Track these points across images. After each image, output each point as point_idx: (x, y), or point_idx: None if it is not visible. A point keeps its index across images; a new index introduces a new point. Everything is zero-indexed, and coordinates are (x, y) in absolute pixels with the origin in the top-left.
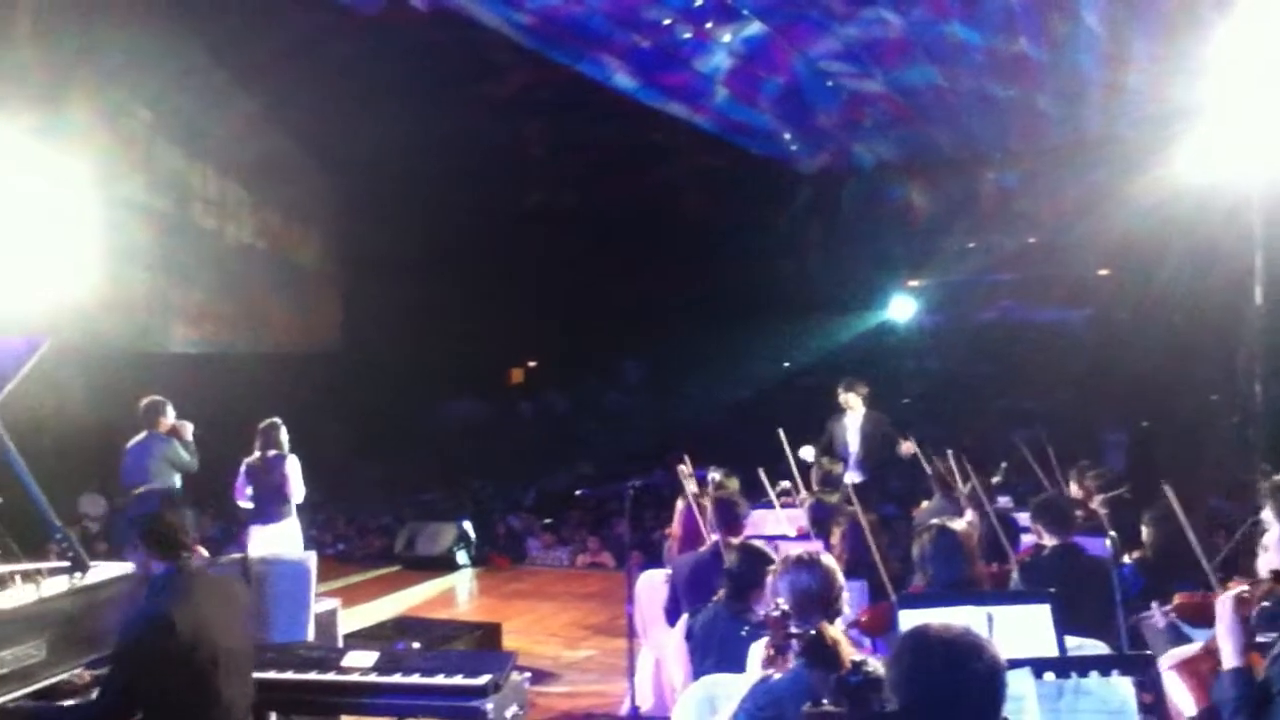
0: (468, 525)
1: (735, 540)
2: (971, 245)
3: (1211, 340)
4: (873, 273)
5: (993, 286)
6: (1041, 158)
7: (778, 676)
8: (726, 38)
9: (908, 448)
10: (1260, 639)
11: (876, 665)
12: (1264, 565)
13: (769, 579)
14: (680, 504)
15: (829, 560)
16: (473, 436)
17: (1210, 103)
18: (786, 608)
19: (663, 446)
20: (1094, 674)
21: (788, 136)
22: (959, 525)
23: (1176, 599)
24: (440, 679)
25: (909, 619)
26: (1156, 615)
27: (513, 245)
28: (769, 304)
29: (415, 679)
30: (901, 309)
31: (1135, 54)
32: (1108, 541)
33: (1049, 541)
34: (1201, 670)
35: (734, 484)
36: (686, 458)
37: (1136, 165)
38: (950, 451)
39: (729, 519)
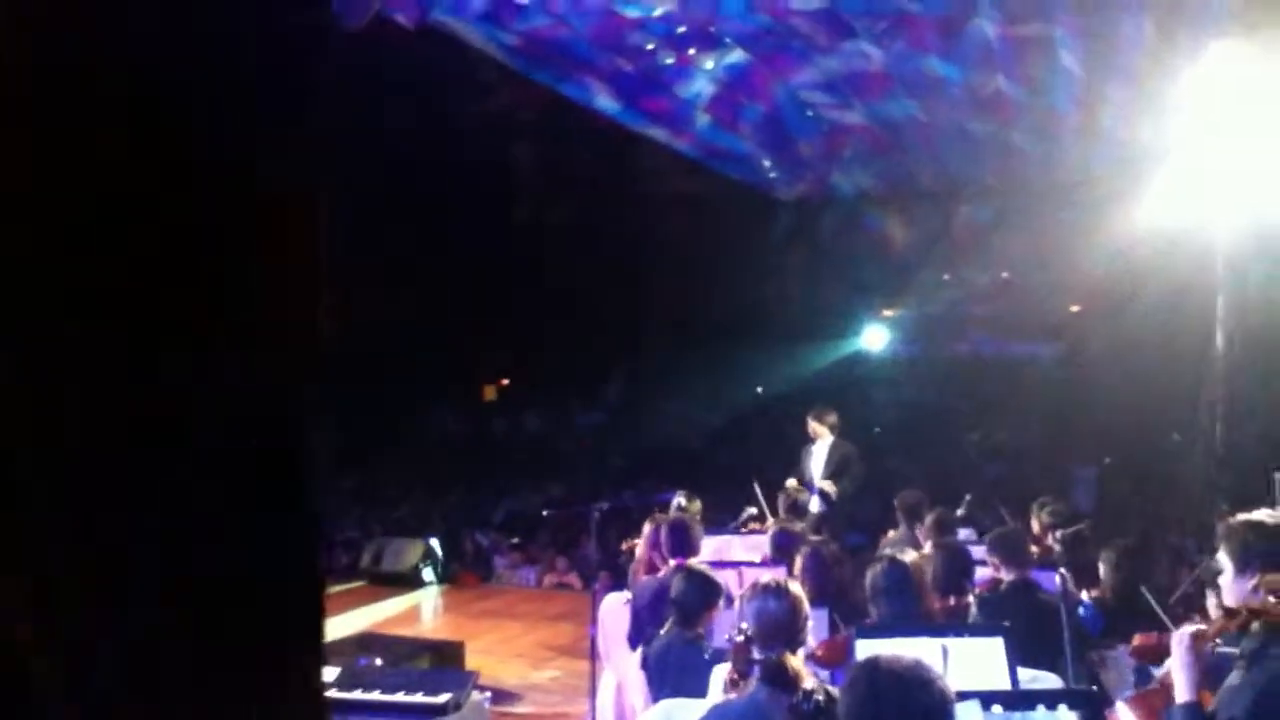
0: (435, 542)
1: (690, 563)
2: (946, 278)
3: (1177, 380)
4: (848, 301)
5: (966, 320)
6: (1017, 194)
7: (735, 700)
8: (709, 64)
9: (829, 487)
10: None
11: (830, 692)
12: (1217, 604)
13: (721, 603)
14: (647, 527)
15: (796, 589)
16: (444, 452)
17: (1178, 147)
18: (750, 634)
19: (634, 469)
20: (1040, 707)
21: (767, 163)
22: (909, 557)
23: (1136, 640)
24: (400, 696)
25: (865, 650)
26: (1120, 654)
27: (492, 262)
28: (744, 329)
29: (376, 695)
30: (875, 339)
31: (1109, 96)
32: (1057, 577)
33: (1005, 576)
34: (1154, 704)
35: (696, 506)
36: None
37: (1108, 206)
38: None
39: (682, 542)
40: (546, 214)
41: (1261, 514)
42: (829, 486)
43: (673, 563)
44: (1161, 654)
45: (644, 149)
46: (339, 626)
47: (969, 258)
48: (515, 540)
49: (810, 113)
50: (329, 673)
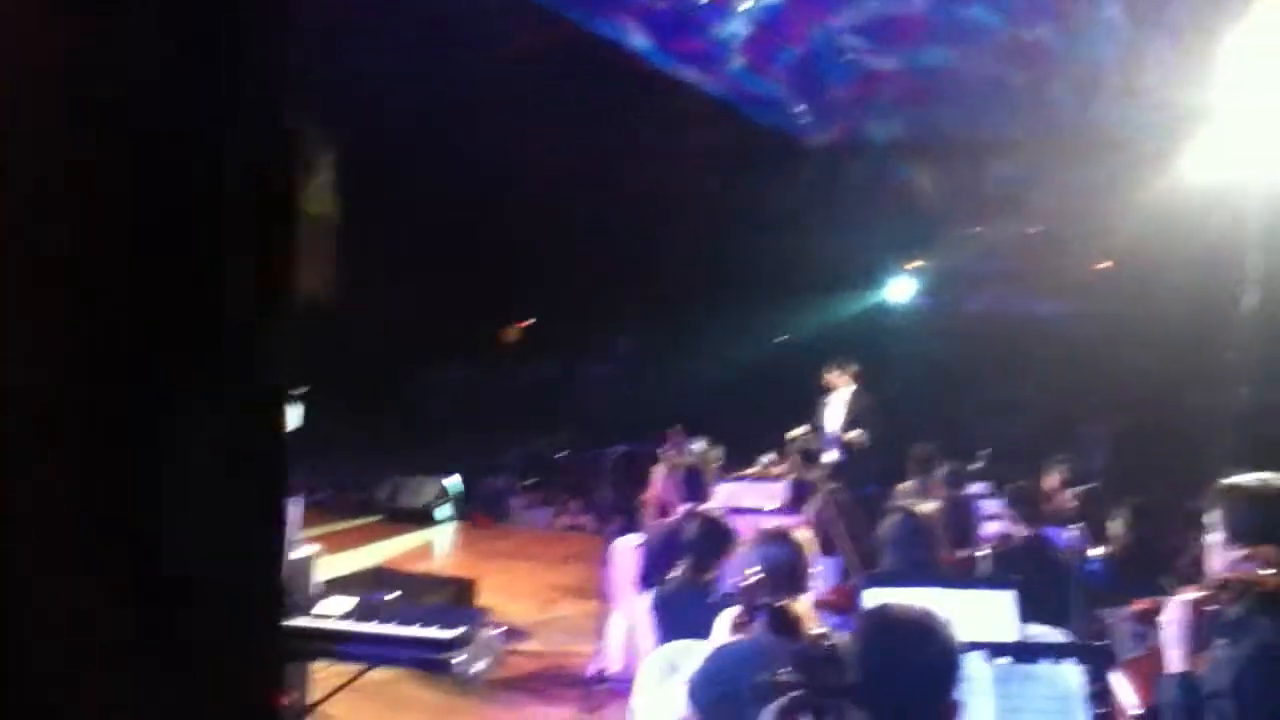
0: (451, 481)
1: (701, 508)
2: (974, 231)
3: (1201, 343)
4: (872, 253)
5: (992, 274)
6: (1049, 149)
7: (735, 643)
8: (746, 4)
9: (852, 436)
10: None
11: (838, 640)
12: (1208, 570)
13: (734, 549)
14: (659, 471)
15: (802, 535)
16: (461, 394)
17: (1219, 107)
18: (757, 579)
19: (651, 415)
20: (1045, 661)
21: (798, 109)
22: (923, 509)
23: (1135, 604)
24: (414, 629)
25: (873, 599)
26: (1124, 615)
27: (510, 206)
28: (766, 278)
29: (389, 628)
30: (899, 291)
31: (1152, 52)
32: (1069, 534)
33: (1019, 531)
34: (1145, 670)
35: (716, 454)
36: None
37: (1143, 164)
38: None
39: (694, 488)
40: (569, 158)
41: (1251, 478)
42: (855, 436)
43: (684, 508)
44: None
45: (669, 92)
46: (355, 560)
47: (998, 212)
48: (530, 482)
49: (846, 57)
50: (344, 604)
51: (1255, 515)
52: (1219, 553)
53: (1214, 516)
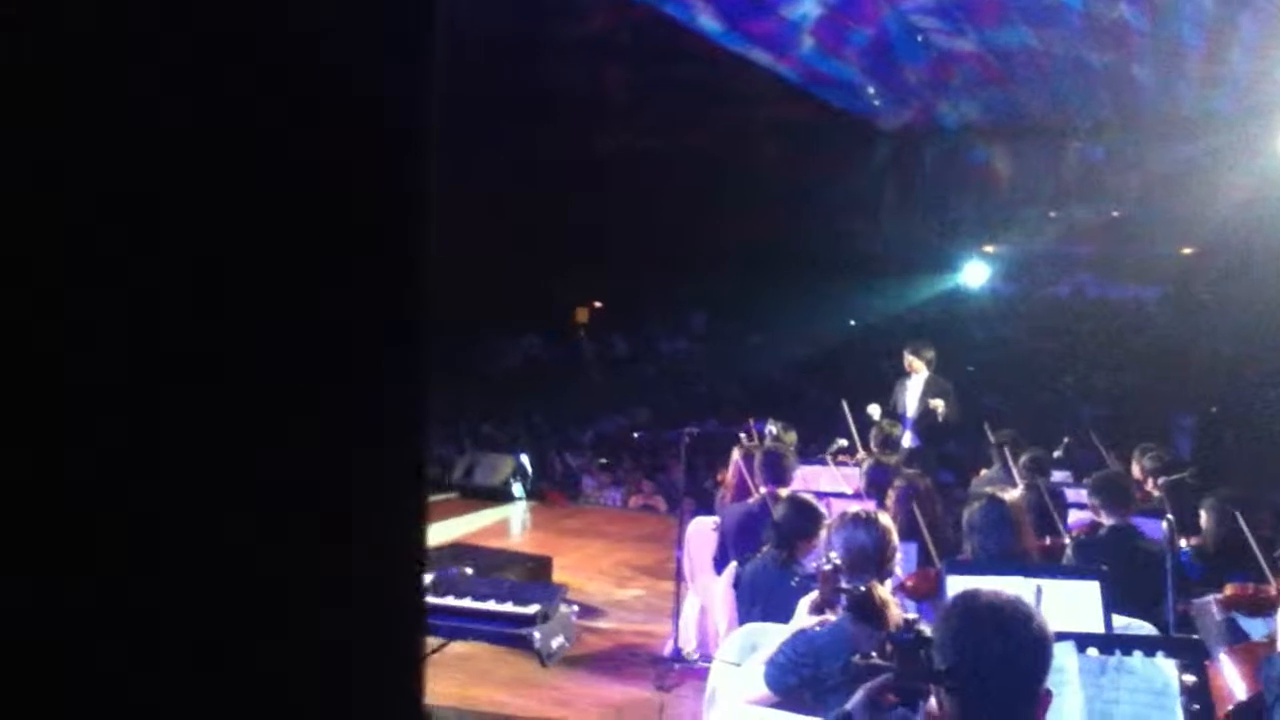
0: (525, 459)
1: (783, 492)
2: (1052, 215)
3: None
4: (948, 236)
5: (1070, 259)
6: (1131, 131)
7: (819, 628)
8: None
9: (937, 404)
10: None
11: (925, 626)
12: None
13: (822, 532)
14: (736, 453)
15: (886, 520)
16: (534, 373)
17: None
18: (839, 563)
19: (722, 396)
20: (1138, 653)
21: (871, 91)
22: (1010, 496)
23: (1228, 590)
24: (491, 604)
25: (956, 585)
26: (1212, 606)
27: (585, 185)
28: (840, 261)
29: (466, 603)
30: (975, 275)
31: (1239, 32)
32: (1164, 524)
33: (1106, 520)
34: (1255, 657)
35: (791, 438)
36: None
37: (1230, 147)
38: None
39: (776, 471)
40: (641, 138)
41: None
42: (938, 405)
43: (764, 490)
44: (1257, 606)
45: (743, 73)
46: (431, 536)
47: (1077, 195)
48: (603, 461)
49: (920, 38)
50: (438, 578)
51: None
52: None
53: None
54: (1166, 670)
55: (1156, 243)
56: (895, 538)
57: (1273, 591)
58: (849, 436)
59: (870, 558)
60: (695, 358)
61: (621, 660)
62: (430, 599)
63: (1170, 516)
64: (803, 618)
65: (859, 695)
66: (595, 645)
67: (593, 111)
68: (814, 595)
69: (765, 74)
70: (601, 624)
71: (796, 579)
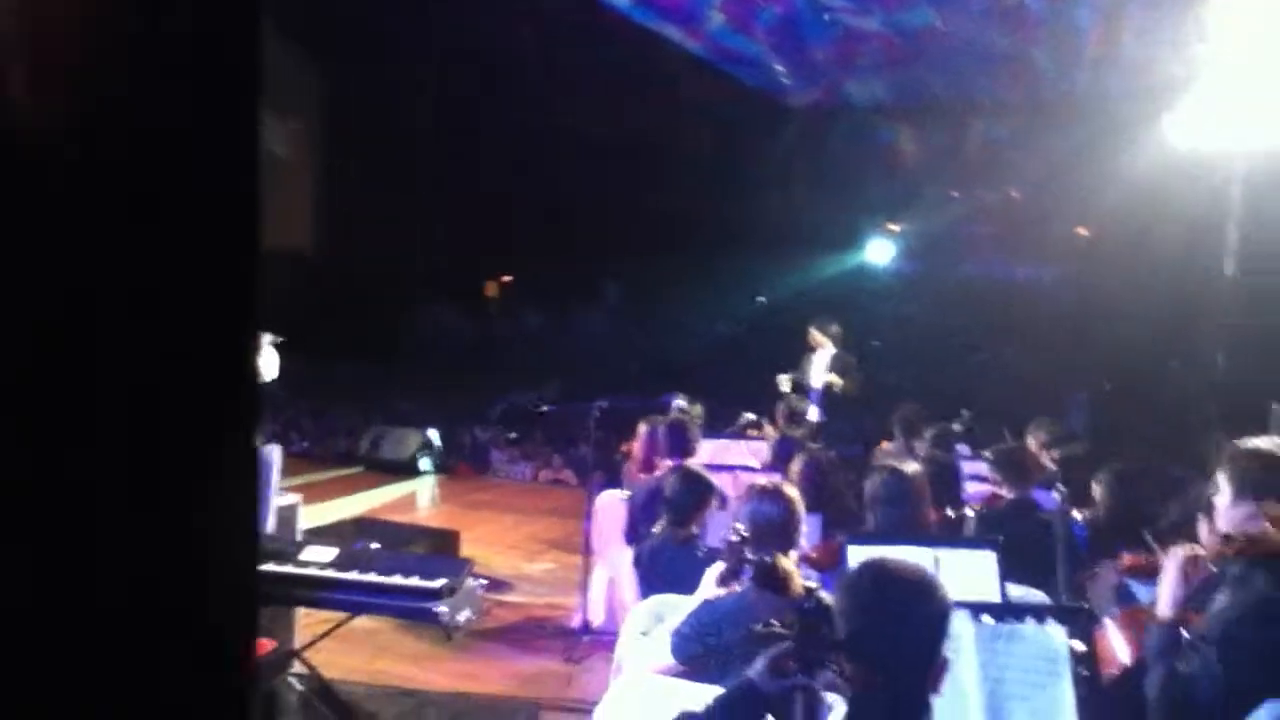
0: (433, 433)
1: (685, 463)
2: (954, 195)
3: (1182, 309)
4: (854, 213)
5: (972, 238)
6: (1031, 113)
7: (723, 598)
8: None
9: (835, 380)
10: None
11: (827, 595)
12: (1208, 529)
13: (713, 502)
14: (643, 427)
15: (792, 492)
16: (443, 346)
17: (1202, 73)
18: (745, 534)
19: (633, 371)
20: (1030, 621)
21: (780, 69)
22: (911, 468)
23: (1125, 559)
24: (397, 579)
25: (857, 556)
26: (1107, 573)
27: (497, 159)
28: (748, 236)
29: (372, 577)
30: (879, 252)
31: (1131, 17)
32: (1056, 494)
33: (1007, 493)
34: (1141, 622)
35: (697, 411)
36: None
37: (1125, 129)
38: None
39: (680, 444)
40: (554, 112)
41: (1263, 441)
42: (835, 379)
43: (669, 463)
44: (1151, 573)
45: (652, 49)
46: (336, 510)
47: (978, 175)
48: (512, 435)
49: (827, 17)
50: (327, 553)
51: (1266, 474)
52: (1225, 511)
53: (1221, 476)
54: (1057, 637)
55: (1055, 223)
56: (801, 510)
57: (1163, 560)
58: (756, 410)
59: (776, 530)
60: (606, 332)
61: (530, 633)
62: (336, 574)
63: (1062, 488)
64: (709, 589)
65: (760, 662)
66: (503, 618)
67: (505, 84)
68: (720, 567)
69: (677, 51)
70: (510, 597)
71: (701, 551)
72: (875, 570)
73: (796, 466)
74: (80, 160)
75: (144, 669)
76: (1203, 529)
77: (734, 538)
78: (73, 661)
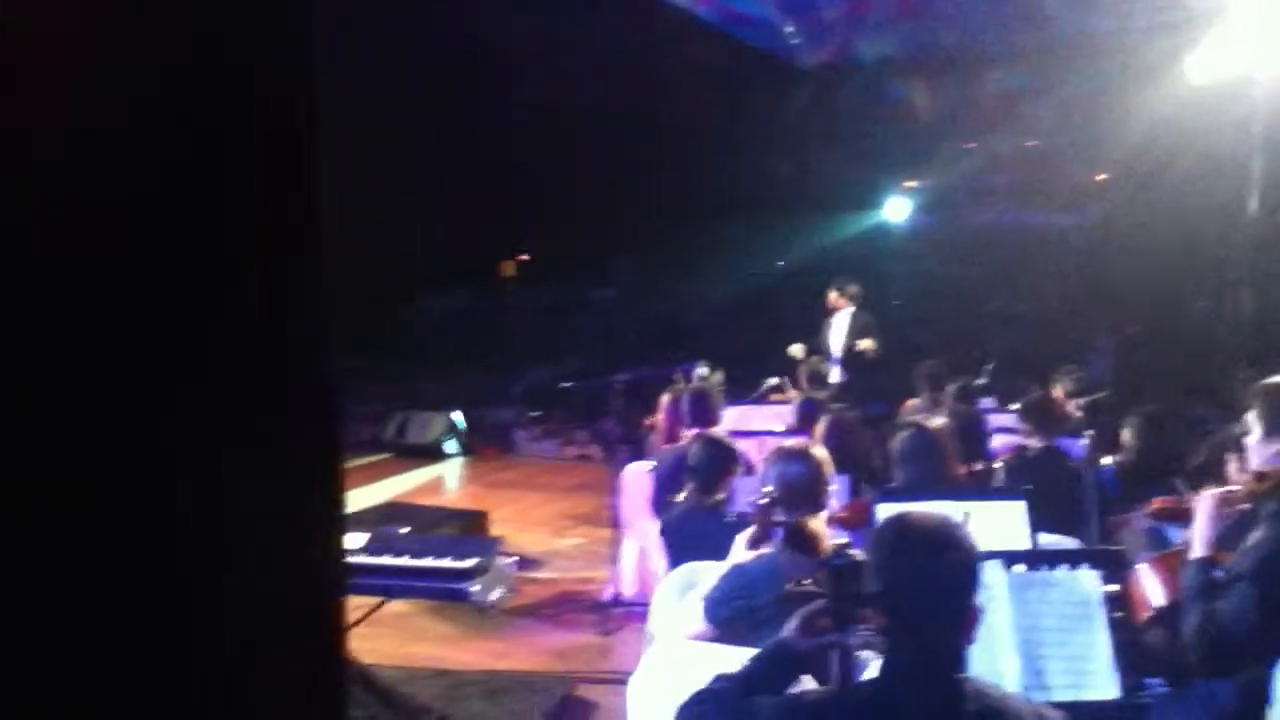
0: (457, 415)
1: (708, 431)
2: (970, 147)
3: (1204, 250)
4: (869, 172)
5: (989, 189)
6: (1046, 60)
7: (753, 561)
8: None
9: (865, 344)
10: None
11: (857, 552)
12: (1238, 468)
13: (738, 468)
14: (666, 397)
15: (820, 453)
16: (462, 328)
17: (1220, 11)
18: (774, 497)
19: (653, 342)
20: (1062, 567)
21: (789, 30)
22: (935, 424)
23: (1155, 503)
24: (429, 561)
25: (886, 513)
26: (1138, 518)
27: (503, 137)
28: (764, 202)
29: (404, 560)
30: (897, 210)
31: None
32: (1084, 441)
33: (1034, 443)
34: (1174, 564)
35: (717, 378)
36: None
37: (1144, 70)
38: None
39: (703, 412)
40: (561, 87)
41: None
42: (865, 344)
43: (693, 432)
44: (1181, 516)
45: (663, 17)
46: (364, 497)
47: (994, 126)
48: (535, 414)
49: None
50: (358, 538)
51: None
52: (1256, 449)
53: (1252, 415)
54: (1089, 582)
55: (1072, 169)
56: (828, 470)
57: (1193, 502)
58: (779, 375)
59: (804, 490)
60: (624, 305)
61: (562, 608)
62: (366, 559)
63: (1089, 435)
64: (740, 553)
65: (793, 621)
66: (535, 595)
67: (512, 63)
68: (750, 531)
69: (685, 17)
70: (541, 574)
71: (730, 517)
72: (900, 524)
73: (821, 428)
74: (112, 159)
75: (226, 657)
76: (1233, 468)
77: (762, 501)
78: (156, 648)
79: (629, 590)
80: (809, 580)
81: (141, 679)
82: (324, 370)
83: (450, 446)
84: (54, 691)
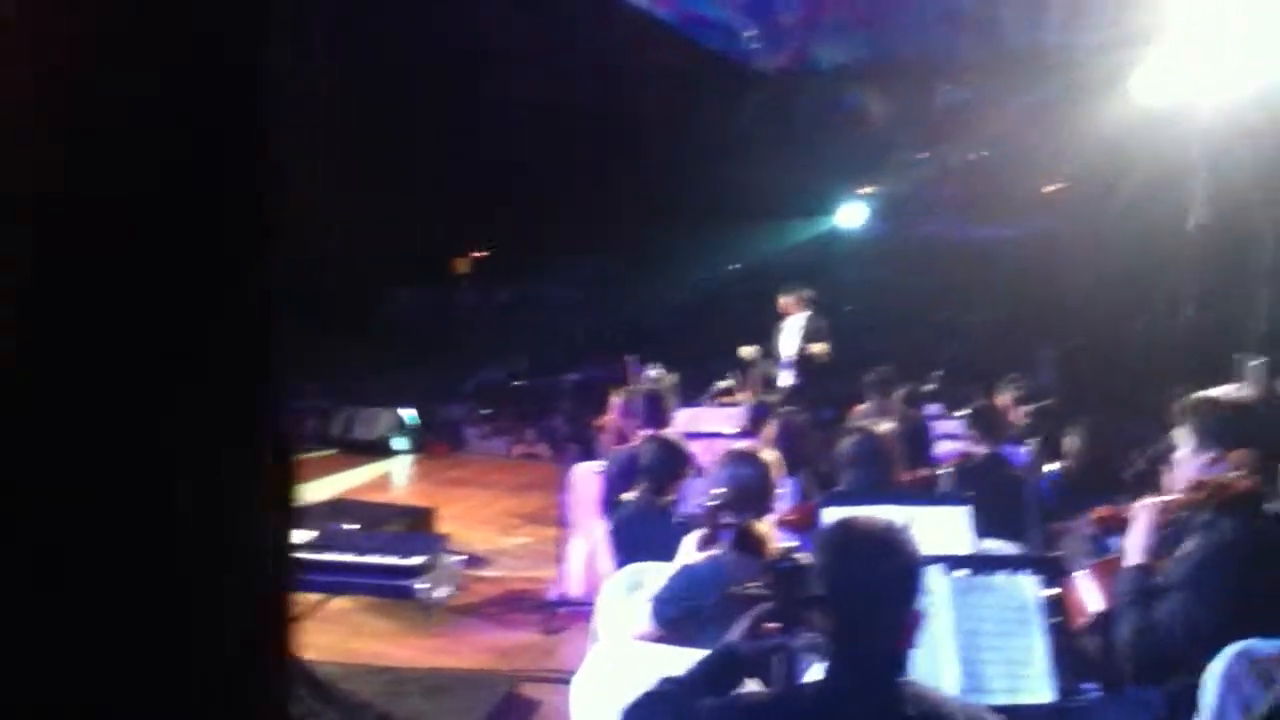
0: (410, 411)
1: (660, 432)
2: (923, 156)
3: (1147, 266)
4: (823, 179)
5: (940, 198)
6: (997, 71)
7: (700, 562)
8: None
9: (818, 349)
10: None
11: (803, 556)
12: (1170, 481)
13: (689, 470)
14: (615, 398)
15: (769, 456)
16: (413, 324)
17: (1169, 28)
18: (722, 499)
19: (605, 343)
20: (1002, 573)
21: (747, 34)
22: (881, 429)
23: (1096, 512)
24: (375, 558)
25: (832, 517)
26: (1080, 525)
27: (462, 135)
28: (719, 204)
29: (349, 557)
30: (850, 217)
31: None
32: (1027, 451)
33: (979, 449)
34: (1112, 571)
35: (670, 381)
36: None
37: (1092, 86)
38: None
39: (654, 414)
40: (516, 86)
41: (1220, 391)
42: (816, 348)
43: (645, 433)
44: (1123, 524)
45: (619, 15)
46: (311, 492)
47: (945, 136)
48: (485, 411)
49: None
50: (304, 534)
51: (1228, 423)
52: (1188, 461)
53: (1185, 427)
54: (1027, 587)
55: (1019, 181)
56: (776, 473)
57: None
58: (731, 377)
59: (753, 493)
60: (574, 305)
61: (507, 606)
62: (312, 555)
63: (1031, 443)
64: (687, 554)
65: (741, 624)
66: (482, 594)
67: (472, 61)
68: (699, 532)
69: (643, 18)
70: (488, 572)
71: (678, 518)
72: (844, 528)
73: (770, 431)
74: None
75: (174, 658)
76: (1167, 479)
77: (711, 503)
78: (100, 649)
79: (575, 590)
80: (756, 583)
81: (141, 679)
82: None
83: (399, 443)
84: (54, 691)
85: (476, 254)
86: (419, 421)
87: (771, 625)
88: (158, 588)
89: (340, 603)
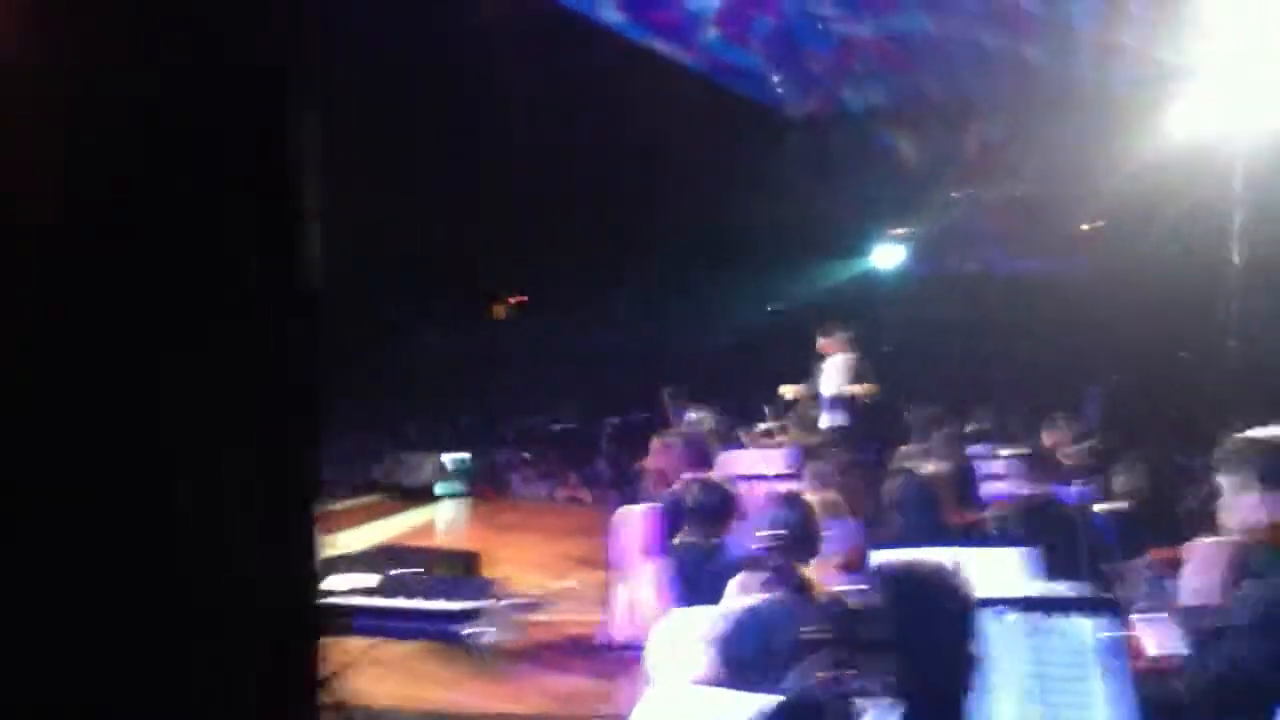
0: (458, 456)
1: (706, 475)
2: (956, 195)
3: (1190, 299)
4: (858, 220)
5: (976, 237)
6: (1030, 111)
7: (760, 605)
8: None
9: (856, 389)
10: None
11: (856, 601)
12: (1223, 520)
13: (736, 513)
14: (656, 442)
15: (811, 500)
16: (456, 370)
17: (1203, 64)
18: (768, 543)
19: (645, 386)
20: (1058, 615)
21: (775, 79)
22: (928, 470)
23: (1153, 553)
24: (427, 602)
25: (883, 560)
26: (1135, 566)
27: (507, 178)
28: (756, 247)
29: (399, 602)
30: (886, 257)
31: (1130, 12)
32: (1078, 490)
33: (1026, 490)
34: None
35: (709, 423)
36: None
37: (1126, 123)
38: None
39: (697, 457)
40: (556, 131)
41: (1266, 431)
42: (859, 389)
43: (687, 476)
44: (1179, 565)
45: (649, 63)
46: (359, 538)
47: (980, 174)
48: (526, 455)
49: (820, 26)
50: (355, 579)
51: (1273, 463)
52: (1238, 501)
53: (1240, 467)
54: (1084, 629)
55: (1058, 218)
56: (820, 516)
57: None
58: (772, 419)
59: (797, 536)
60: (616, 348)
61: (560, 652)
62: (364, 600)
63: (1082, 482)
64: (734, 598)
65: (810, 670)
66: (534, 638)
67: (508, 107)
68: (748, 575)
69: (672, 64)
70: (539, 617)
71: (726, 561)
72: (894, 572)
73: (813, 473)
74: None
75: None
76: (1220, 519)
77: (756, 546)
78: (143, 687)
79: (622, 635)
80: (812, 627)
81: (141, 679)
82: (312, 369)
83: (445, 488)
84: (54, 691)
85: (517, 298)
86: (471, 466)
87: (841, 672)
88: (162, 597)
89: (398, 648)
